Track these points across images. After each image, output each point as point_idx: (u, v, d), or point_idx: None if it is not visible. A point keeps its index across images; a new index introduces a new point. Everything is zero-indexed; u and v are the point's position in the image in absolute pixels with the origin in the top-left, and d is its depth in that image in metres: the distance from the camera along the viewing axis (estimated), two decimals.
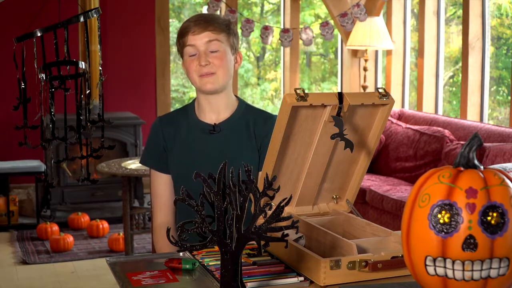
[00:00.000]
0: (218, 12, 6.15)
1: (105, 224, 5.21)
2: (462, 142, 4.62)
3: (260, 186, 1.44)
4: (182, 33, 2.18)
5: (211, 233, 1.43)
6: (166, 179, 2.27)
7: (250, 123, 2.22)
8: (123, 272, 1.66)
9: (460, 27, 5.53)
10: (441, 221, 1.19)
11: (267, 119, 2.23)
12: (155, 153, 2.27)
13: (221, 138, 2.20)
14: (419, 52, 5.83)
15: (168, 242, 2.17)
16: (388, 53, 6.27)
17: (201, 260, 1.73)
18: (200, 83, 2.16)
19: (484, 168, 1.25)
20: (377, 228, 1.77)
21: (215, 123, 2.21)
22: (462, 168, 1.25)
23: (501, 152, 4.16)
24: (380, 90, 1.76)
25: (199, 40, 2.14)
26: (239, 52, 2.25)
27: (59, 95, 2.30)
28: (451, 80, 7.13)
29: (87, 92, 2.33)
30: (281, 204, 1.43)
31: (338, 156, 1.85)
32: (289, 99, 1.63)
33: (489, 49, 5.29)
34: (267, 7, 8.85)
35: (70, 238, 4.84)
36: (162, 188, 2.27)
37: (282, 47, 6.45)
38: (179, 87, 8.34)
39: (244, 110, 2.24)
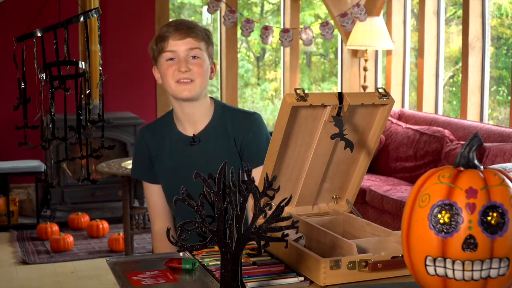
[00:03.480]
0: (218, 12, 6.16)
1: (105, 224, 5.22)
2: (462, 142, 4.62)
3: (260, 186, 1.44)
4: (162, 38, 2.13)
5: (211, 233, 1.43)
6: (159, 188, 2.28)
7: (228, 127, 2.19)
8: (123, 272, 1.66)
9: (460, 27, 5.53)
10: (441, 221, 1.19)
11: (244, 118, 2.20)
12: (143, 166, 2.29)
13: (202, 148, 2.19)
14: (419, 52, 5.83)
15: (167, 248, 2.19)
16: (388, 53, 6.26)
17: (201, 260, 1.73)
18: (177, 89, 2.13)
19: (484, 168, 1.25)
20: (377, 228, 1.77)
21: (194, 134, 2.20)
22: (462, 168, 1.25)
23: (501, 152, 4.16)
24: (380, 90, 1.76)
25: (180, 46, 2.11)
26: (214, 63, 2.22)
27: (59, 95, 2.30)
28: (451, 80, 7.13)
29: (87, 92, 2.33)
30: (281, 204, 1.43)
31: (338, 156, 1.85)
32: (289, 99, 1.63)
33: (489, 49, 5.29)
34: (267, 7, 8.84)
35: (70, 238, 4.85)
36: (156, 197, 2.29)
37: (282, 47, 6.45)
38: None
39: (221, 116, 2.21)
